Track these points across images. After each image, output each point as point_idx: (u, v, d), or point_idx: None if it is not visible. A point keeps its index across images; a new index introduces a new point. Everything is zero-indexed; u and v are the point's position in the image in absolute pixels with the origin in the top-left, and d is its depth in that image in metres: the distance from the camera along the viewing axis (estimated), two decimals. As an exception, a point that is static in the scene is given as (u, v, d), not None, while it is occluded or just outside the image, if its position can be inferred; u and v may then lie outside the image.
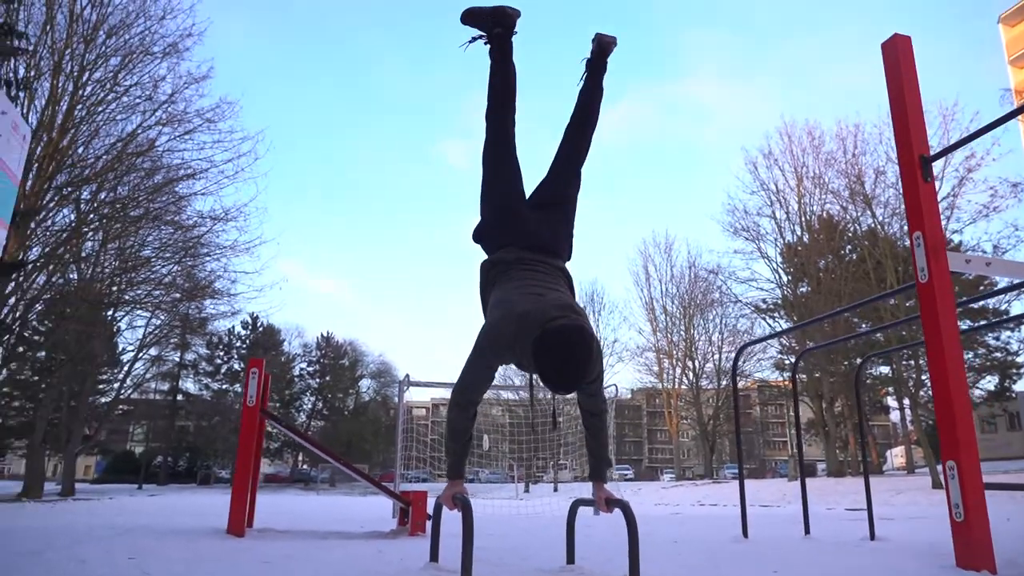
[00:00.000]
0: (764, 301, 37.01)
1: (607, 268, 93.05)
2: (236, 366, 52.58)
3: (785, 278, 36.49)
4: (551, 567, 3.15)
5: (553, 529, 6.88)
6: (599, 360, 2.68)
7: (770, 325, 37.15)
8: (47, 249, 17.31)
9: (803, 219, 35.33)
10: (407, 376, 10.69)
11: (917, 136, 4.57)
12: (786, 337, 32.23)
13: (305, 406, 56.33)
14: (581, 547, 3.22)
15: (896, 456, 50.44)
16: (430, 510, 5.61)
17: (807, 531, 5.92)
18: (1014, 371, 33.71)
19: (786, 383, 41.50)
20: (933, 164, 4.56)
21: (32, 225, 16.06)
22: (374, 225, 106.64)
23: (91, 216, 18.37)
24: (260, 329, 53.14)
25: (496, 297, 2.83)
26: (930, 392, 31.80)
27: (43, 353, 29.15)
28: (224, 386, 52.07)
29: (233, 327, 52.55)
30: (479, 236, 3.15)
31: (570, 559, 3.06)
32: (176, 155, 18.62)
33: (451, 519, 2.75)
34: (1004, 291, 5.04)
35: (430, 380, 11.84)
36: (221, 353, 52.41)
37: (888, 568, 3.79)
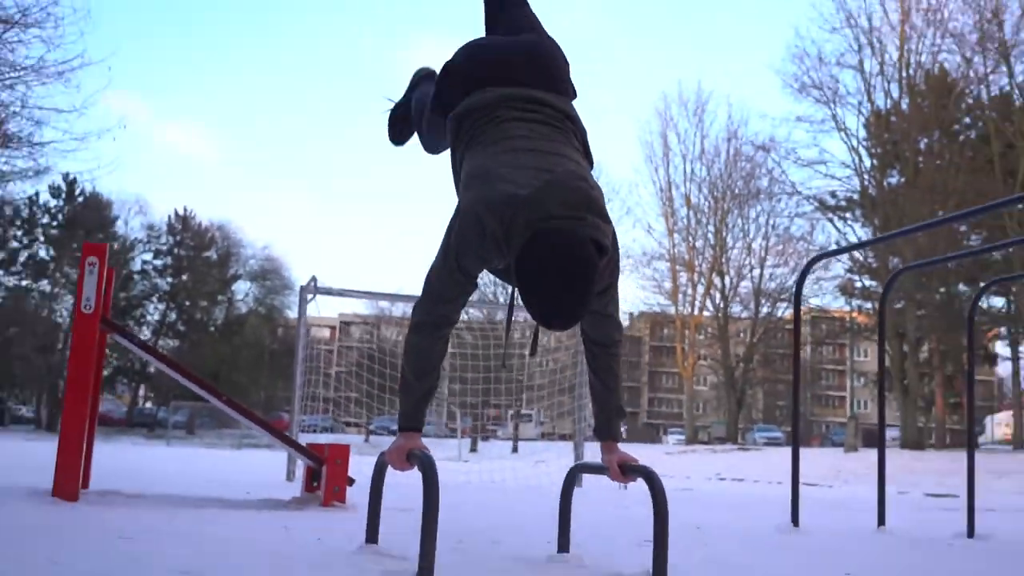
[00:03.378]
0: (834, 194, 27.53)
1: (609, 135, 59.55)
2: (42, 253, 37.06)
3: (868, 161, 27.04)
4: (535, 556, 2.52)
5: (518, 503, 5.62)
6: (611, 268, 2.09)
7: (838, 230, 27.26)
8: None
9: (904, 74, 25.80)
10: (313, 279, 7.93)
11: None
12: (866, 250, 24.07)
13: (150, 317, 39.89)
14: (574, 529, 2.48)
15: (1000, 424, 37.05)
16: (353, 472, 4.19)
17: (881, 522, 4.65)
18: None
19: (853, 314, 31.47)
20: None
21: None
22: (261, 60, 76.94)
23: None
24: (80, 199, 36.46)
25: (472, 167, 2.11)
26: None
27: None
28: (24, 282, 36.78)
29: (37, 194, 34.81)
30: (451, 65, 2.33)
31: (563, 546, 2.47)
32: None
33: (391, 486, 2.38)
34: None
35: (346, 288, 8.66)
36: (19, 233, 36.35)
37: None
